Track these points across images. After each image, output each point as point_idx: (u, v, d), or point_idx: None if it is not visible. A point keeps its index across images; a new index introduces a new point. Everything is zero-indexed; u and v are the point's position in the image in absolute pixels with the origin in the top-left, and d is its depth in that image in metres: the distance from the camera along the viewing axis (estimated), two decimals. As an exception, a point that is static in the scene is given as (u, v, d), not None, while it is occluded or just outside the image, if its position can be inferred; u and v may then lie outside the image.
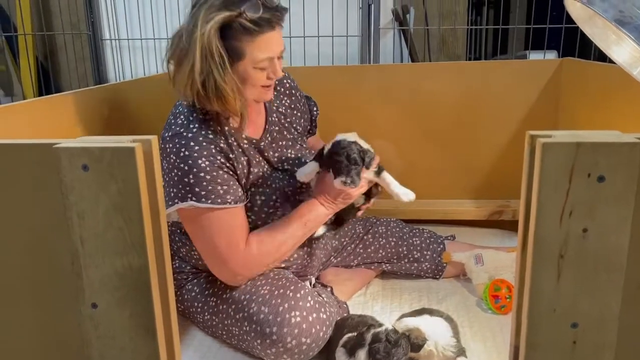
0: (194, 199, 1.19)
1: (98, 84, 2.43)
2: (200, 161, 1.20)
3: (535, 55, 2.40)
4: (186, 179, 1.20)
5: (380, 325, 1.18)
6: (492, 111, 1.93)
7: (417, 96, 1.94)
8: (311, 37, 2.22)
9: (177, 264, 1.42)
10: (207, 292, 1.34)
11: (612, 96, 1.51)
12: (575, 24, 1.06)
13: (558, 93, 1.88)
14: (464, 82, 1.92)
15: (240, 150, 1.29)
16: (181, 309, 1.39)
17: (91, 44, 2.41)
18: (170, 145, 1.22)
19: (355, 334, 1.18)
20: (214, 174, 1.21)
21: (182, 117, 1.26)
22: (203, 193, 1.20)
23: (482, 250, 1.61)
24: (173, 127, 1.25)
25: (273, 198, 1.33)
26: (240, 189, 1.27)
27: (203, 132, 1.23)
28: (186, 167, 1.20)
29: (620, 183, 0.53)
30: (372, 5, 2.21)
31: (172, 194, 1.21)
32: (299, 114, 1.49)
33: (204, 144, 1.22)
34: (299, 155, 1.42)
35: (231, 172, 1.26)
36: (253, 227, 1.31)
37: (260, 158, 1.34)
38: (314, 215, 1.31)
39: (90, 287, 0.63)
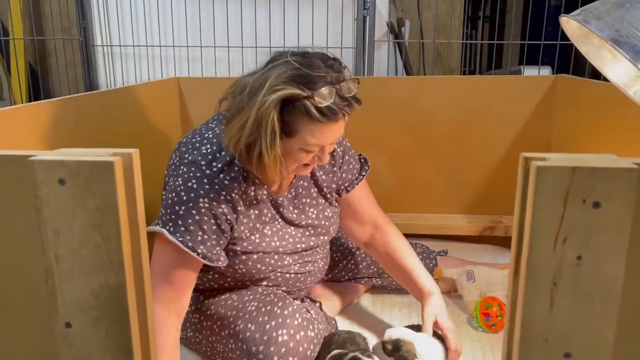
0: (171, 229, 1.13)
1: (89, 90, 2.41)
2: (201, 200, 1.14)
3: (529, 71, 2.40)
4: (177, 207, 1.14)
5: (366, 351, 1.15)
6: (485, 126, 1.92)
7: (410, 109, 1.92)
8: (305, 48, 2.21)
9: None
10: (189, 309, 1.30)
11: (607, 114, 1.50)
12: (569, 40, 1.05)
13: (552, 110, 1.88)
14: (458, 97, 1.91)
15: (255, 201, 1.23)
16: (165, 323, 1.35)
17: (83, 49, 2.39)
18: (185, 169, 1.17)
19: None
20: (205, 219, 1.14)
21: (211, 147, 1.19)
22: (182, 229, 1.13)
23: (474, 267, 1.59)
24: (196, 152, 1.18)
25: (280, 251, 1.28)
26: (217, 252, 1.18)
27: (221, 176, 1.16)
28: (185, 198, 1.14)
29: (617, 210, 0.51)
30: (367, 17, 2.20)
31: (161, 214, 1.17)
32: (332, 176, 1.38)
33: (216, 187, 1.15)
34: (321, 214, 1.35)
35: (223, 227, 1.17)
36: (252, 273, 1.27)
37: (275, 212, 1.28)
38: None
39: (64, 306, 0.60)
